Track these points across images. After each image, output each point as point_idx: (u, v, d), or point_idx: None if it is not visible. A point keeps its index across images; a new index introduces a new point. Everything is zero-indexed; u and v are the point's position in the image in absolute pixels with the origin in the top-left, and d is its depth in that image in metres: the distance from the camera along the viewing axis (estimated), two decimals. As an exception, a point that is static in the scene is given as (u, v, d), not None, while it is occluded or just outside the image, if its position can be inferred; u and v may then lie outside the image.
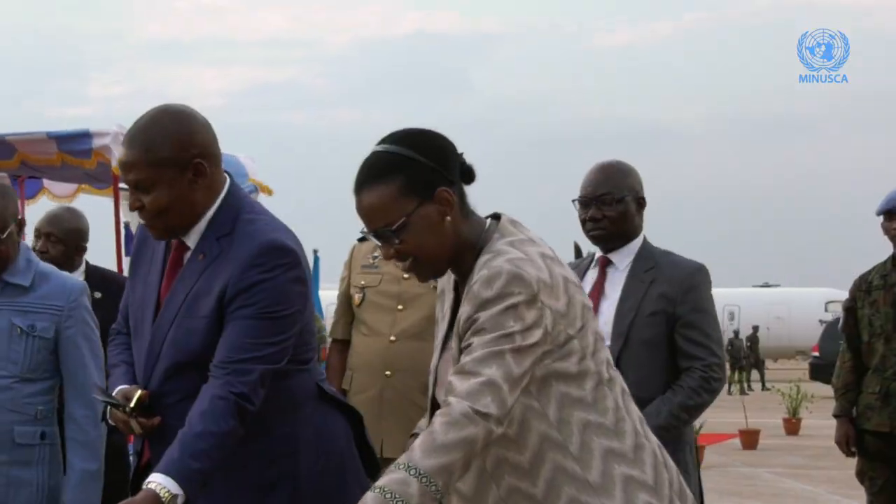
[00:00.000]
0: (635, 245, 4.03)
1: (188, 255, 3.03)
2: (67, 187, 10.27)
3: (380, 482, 2.37)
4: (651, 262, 3.97)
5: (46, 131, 8.74)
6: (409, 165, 2.55)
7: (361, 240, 4.62)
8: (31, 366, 3.74)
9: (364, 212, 2.59)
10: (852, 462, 6.08)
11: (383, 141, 2.61)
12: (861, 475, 6.02)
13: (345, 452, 3.12)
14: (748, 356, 33.92)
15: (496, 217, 2.68)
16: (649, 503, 2.53)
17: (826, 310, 35.39)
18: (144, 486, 2.77)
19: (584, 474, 2.50)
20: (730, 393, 27.69)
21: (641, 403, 3.00)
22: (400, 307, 4.35)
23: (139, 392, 3.01)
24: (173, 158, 2.93)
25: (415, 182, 2.55)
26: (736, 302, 38.62)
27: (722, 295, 39.67)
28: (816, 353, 24.48)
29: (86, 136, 8.55)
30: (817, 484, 11.16)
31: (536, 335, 2.46)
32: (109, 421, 3.07)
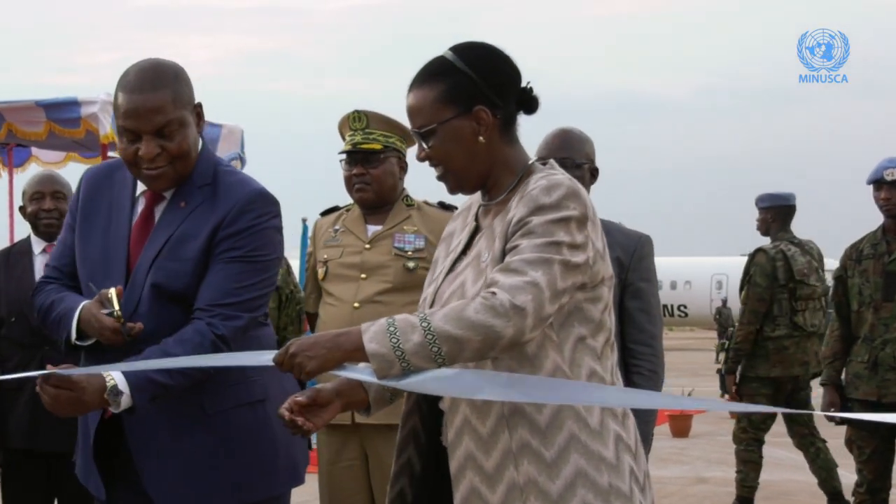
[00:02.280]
0: None
1: (163, 204, 3.04)
2: (56, 155, 10.23)
3: (396, 316, 2.42)
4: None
5: (35, 99, 8.69)
6: (456, 76, 2.60)
7: (324, 214, 4.67)
8: None
9: (407, 110, 2.66)
10: (840, 430, 6.11)
11: (451, 48, 2.66)
12: (850, 444, 6.06)
13: None
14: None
15: None
16: (632, 467, 2.57)
17: (814, 279, 35.38)
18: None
19: (586, 416, 2.53)
20: (717, 361, 27.76)
21: None
22: (363, 276, 4.41)
23: (113, 290, 2.92)
24: (190, 100, 2.99)
25: (456, 93, 2.60)
26: (724, 271, 38.60)
27: (710, 264, 39.76)
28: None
29: (74, 104, 8.50)
30: (805, 452, 11.19)
31: (581, 257, 2.50)
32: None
